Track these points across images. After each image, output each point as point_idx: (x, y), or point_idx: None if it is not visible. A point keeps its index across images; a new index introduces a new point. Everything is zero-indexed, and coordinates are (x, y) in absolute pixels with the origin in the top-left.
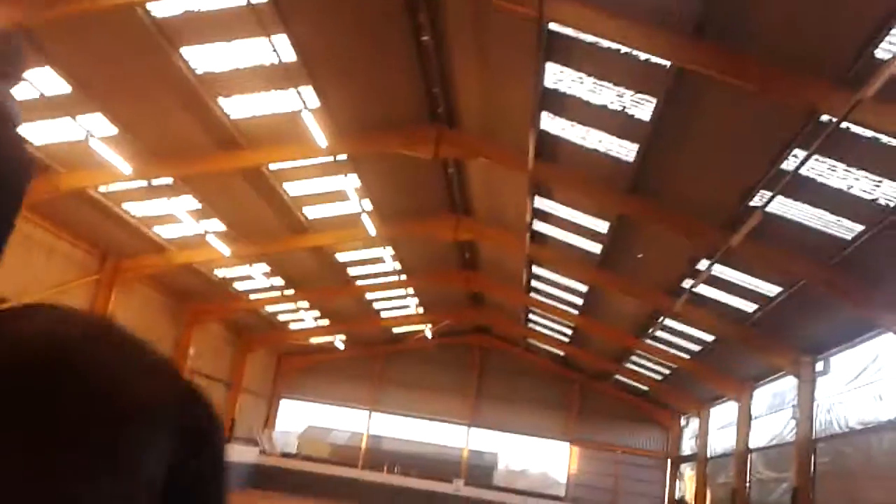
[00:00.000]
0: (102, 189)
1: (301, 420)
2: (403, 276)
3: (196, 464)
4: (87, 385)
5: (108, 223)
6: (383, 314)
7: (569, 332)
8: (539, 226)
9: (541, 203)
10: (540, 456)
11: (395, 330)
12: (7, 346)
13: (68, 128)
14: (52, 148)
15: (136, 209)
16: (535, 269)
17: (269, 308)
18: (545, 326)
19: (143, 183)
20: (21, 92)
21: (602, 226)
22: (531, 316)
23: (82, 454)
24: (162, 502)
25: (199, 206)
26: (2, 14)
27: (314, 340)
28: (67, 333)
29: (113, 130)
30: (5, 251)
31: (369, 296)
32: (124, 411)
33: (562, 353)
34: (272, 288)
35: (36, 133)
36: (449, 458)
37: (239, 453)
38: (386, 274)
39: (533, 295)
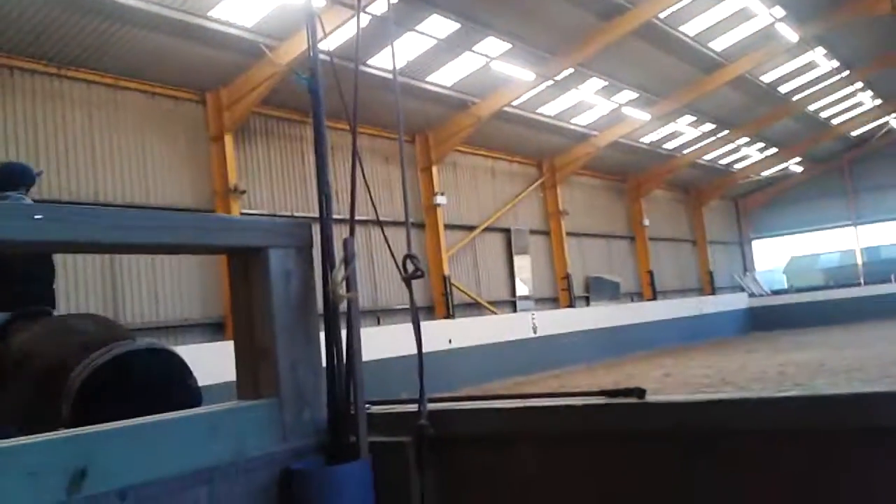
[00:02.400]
0: (515, 103)
1: (781, 255)
2: (846, 73)
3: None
4: None
5: (532, 131)
6: (834, 121)
7: None
8: None
9: None
10: None
11: (854, 133)
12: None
13: (469, 60)
14: (462, 83)
15: (551, 109)
16: None
17: (708, 156)
18: None
19: (549, 83)
20: (419, 45)
21: None
22: None
23: None
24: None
25: (605, 83)
26: None
27: (766, 173)
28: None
29: (505, 46)
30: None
31: (812, 107)
32: None
33: None
34: (703, 135)
35: (446, 76)
36: None
37: (727, 302)
38: (823, 77)
39: None
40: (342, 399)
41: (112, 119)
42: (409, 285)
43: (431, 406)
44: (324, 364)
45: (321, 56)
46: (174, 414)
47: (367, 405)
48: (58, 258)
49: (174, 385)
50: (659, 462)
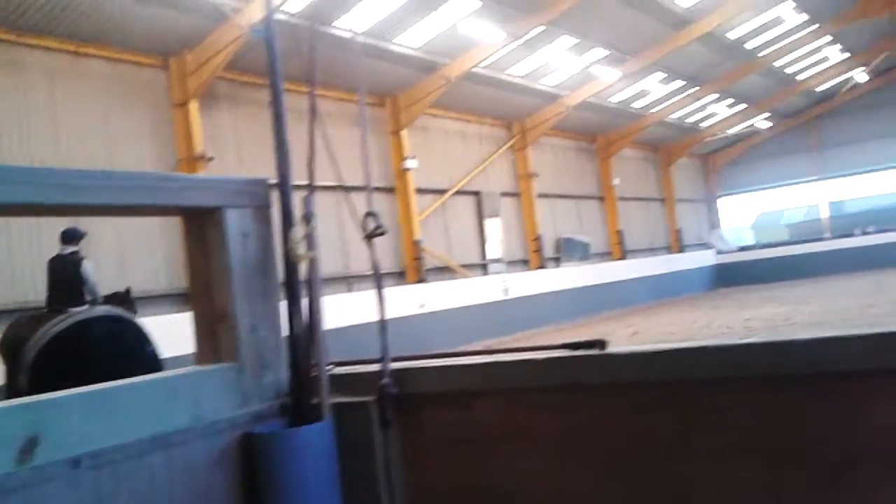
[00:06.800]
0: (484, 64)
1: (749, 211)
2: (814, 27)
3: None
4: None
5: (502, 92)
6: (800, 77)
7: None
8: None
9: None
10: None
11: (819, 88)
12: None
13: (436, 20)
14: (431, 45)
15: (520, 69)
16: None
17: (676, 114)
18: None
19: (518, 42)
20: (387, 6)
21: None
22: None
23: None
24: None
25: (576, 41)
26: None
27: (733, 130)
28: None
29: (475, 5)
30: None
31: (778, 63)
32: None
33: None
34: (672, 93)
35: (414, 37)
36: None
37: (695, 260)
38: (790, 32)
39: None
40: (304, 361)
41: (75, 87)
42: (370, 243)
43: (395, 365)
44: (285, 326)
45: (282, 17)
46: (130, 380)
47: (329, 366)
48: (16, 231)
49: (132, 352)
50: (622, 412)
